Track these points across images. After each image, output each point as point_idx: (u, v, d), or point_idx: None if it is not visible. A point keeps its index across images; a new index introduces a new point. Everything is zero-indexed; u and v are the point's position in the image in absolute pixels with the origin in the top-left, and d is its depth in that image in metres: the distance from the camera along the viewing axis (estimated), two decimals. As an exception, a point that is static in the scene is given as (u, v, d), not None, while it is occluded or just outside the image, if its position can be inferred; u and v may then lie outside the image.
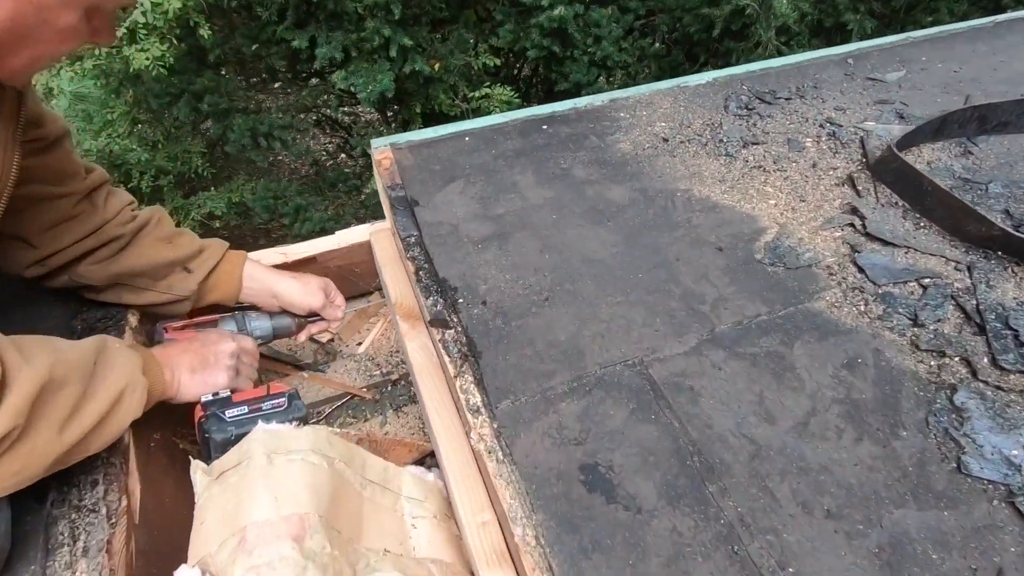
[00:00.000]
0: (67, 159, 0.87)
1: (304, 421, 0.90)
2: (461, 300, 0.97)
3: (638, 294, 0.97)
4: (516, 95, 3.36)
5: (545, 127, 1.29)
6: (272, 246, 1.19)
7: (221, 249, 1.05)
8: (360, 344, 1.37)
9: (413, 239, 1.09)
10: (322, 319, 1.15)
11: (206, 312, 1.08)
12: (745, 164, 1.22)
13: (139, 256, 0.95)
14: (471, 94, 3.33)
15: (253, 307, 1.23)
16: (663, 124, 1.31)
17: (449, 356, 0.91)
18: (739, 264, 1.02)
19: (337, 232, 1.35)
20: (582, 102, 1.35)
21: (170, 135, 3.76)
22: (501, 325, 0.93)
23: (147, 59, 2.83)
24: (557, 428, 0.81)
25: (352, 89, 3.06)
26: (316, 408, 1.26)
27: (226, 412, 0.85)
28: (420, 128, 3.33)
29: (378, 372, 1.30)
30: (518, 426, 0.81)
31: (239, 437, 0.84)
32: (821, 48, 1.52)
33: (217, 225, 3.44)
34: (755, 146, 1.26)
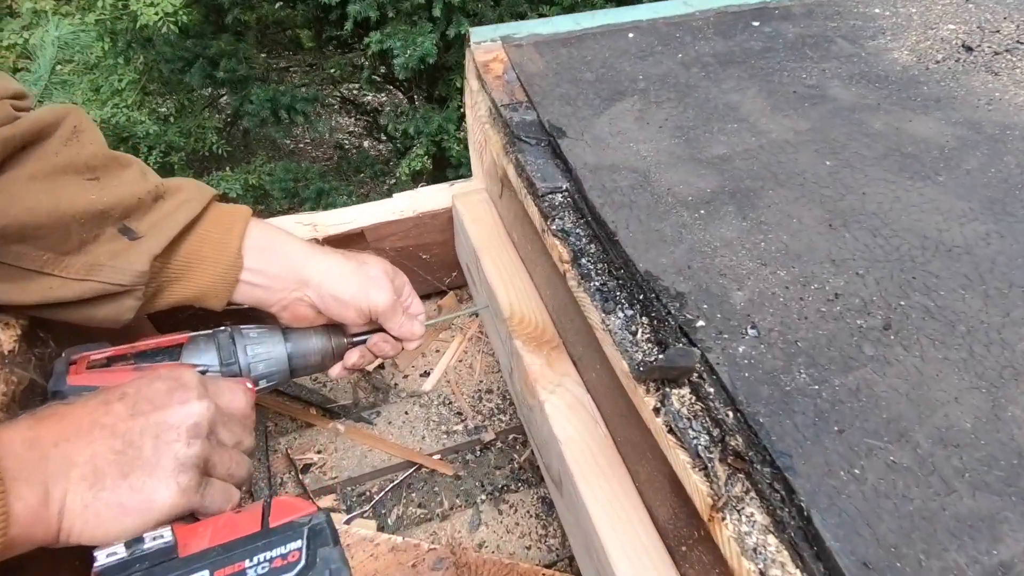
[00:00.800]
0: None
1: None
2: (700, 322, 0.44)
3: (1086, 322, 0.44)
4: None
5: (756, 23, 0.76)
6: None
7: (200, 195, 0.54)
8: (426, 375, 0.86)
9: (562, 197, 0.57)
10: (381, 336, 0.62)
11: (167, 324, 0.57)
12: None
13: (24, 198, 0.44)
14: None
15: (255, 316, 0.72)
16: (953, 26, 0.78)
17: (694, 456, 0.39)
18: None
19: (397, 195, 0.84)
20: (807, -10, 0.82)
21: (184, 108, 3.32)
22: (810, 384, 0.41)
23: (156, 15, 2.37)
24: None
25: (389, 55, 2.56)
26: (360, 488, 0.74)
27: None
28: (458, 106, 2.81)
29: (459, 426, 0.78)
30: None
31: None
32: None
33: (232, 209, 2.98)
34: None
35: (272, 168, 3.17)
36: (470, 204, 0.78)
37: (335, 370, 0.62)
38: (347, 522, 0.70)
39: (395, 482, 0.74)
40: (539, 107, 0.64)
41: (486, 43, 0.71)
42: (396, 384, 0.85)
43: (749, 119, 0.63)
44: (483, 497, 0.73)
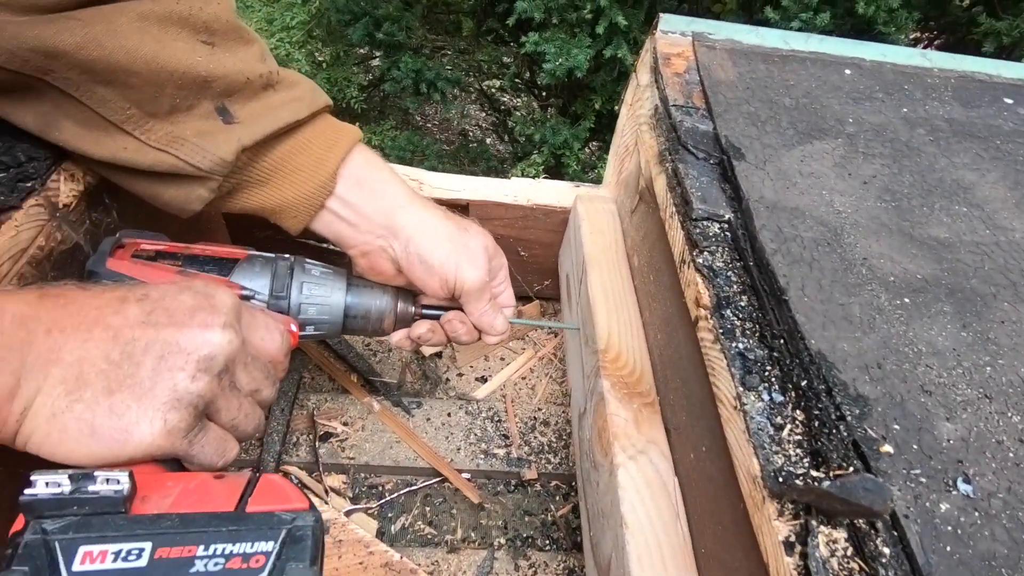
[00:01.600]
0: None
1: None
2: (887, 447, 0.31)
3: None
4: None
5: (1010, 101, 0.61)
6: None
7: (313, 99, 0.47)
8: (482, 381, 0.76)
9: (720, 228, 0.45)
10: (459, 316, 0.52)
11: (227, 234, 0.51)
12: None
13: (126, 35, 0.38)
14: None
15: (323, 249, 0.66)
16: None
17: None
18: None
19: (514, 179, 0.75)
20: (1082, 81, 0.65)
21: (338, 59, 3.49)
22: (1050, 602, 0.26)
23: (341, -36, 2.50)
24: None
25: (540, 58, 2.54)
26: (373, 479, 0.65)
27: (79, 551, 0.26)
28: (589, 127, 2.74)
29: (501, 450, 0.68)
30: None
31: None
32: None
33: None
34: None
35: (396, 136, 3.26)
36: (594, 211, 0.68)
37: (397, 335, 0.53)
38: (347, 513, 0.61)
39: (412, 487, 0.65)
40: (718, 119, 0.52)
41: (674, 35, 0.60)
42: (448, 379, 0.76)
43: (984, 207, 0.49)
44: (502, 542, 0.62)
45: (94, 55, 0.37)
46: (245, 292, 0.44)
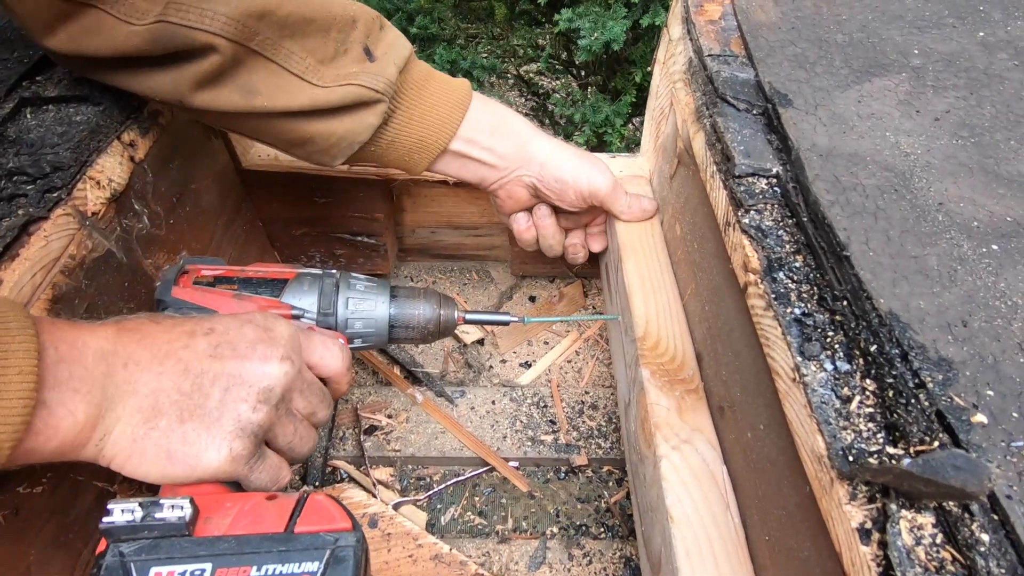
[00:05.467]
0: None
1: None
2: (980, 416, 0.27)
3: None
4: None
5: (1111, 12, 0.52)
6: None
7: (402, 42, 0.51)
8: (526, 367, 0.74)
9: (768, 184, 0.41)
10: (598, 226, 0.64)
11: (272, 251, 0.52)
12: None
13: None
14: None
15: (358, 243, 0.66)
16: None
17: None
18: None
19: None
20: None
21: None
22: None
23: (370, -38, 2.53)
24: None
25: (575, 35, 2.46)
26: (420, 471, 0.65)
27: (151, 572, 0.28)
28: (630, 101, 2.64)
29: (549, 436, 0.66)
30: None
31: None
32: None
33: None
34: None
35: (437, 128, 3.26)
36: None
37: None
38: (396, 506, 0.60)
39: (460, 477, 0.64)
40: (760, 64, 0.47)
41: (706, -22, 0.55)
42: (490, 367, 0.74)
43: (1087, 134, 0.42)
44: (555, 531, 0.60)
45: (288, 9, 0.43)
46: (295, 311, 0.45)
